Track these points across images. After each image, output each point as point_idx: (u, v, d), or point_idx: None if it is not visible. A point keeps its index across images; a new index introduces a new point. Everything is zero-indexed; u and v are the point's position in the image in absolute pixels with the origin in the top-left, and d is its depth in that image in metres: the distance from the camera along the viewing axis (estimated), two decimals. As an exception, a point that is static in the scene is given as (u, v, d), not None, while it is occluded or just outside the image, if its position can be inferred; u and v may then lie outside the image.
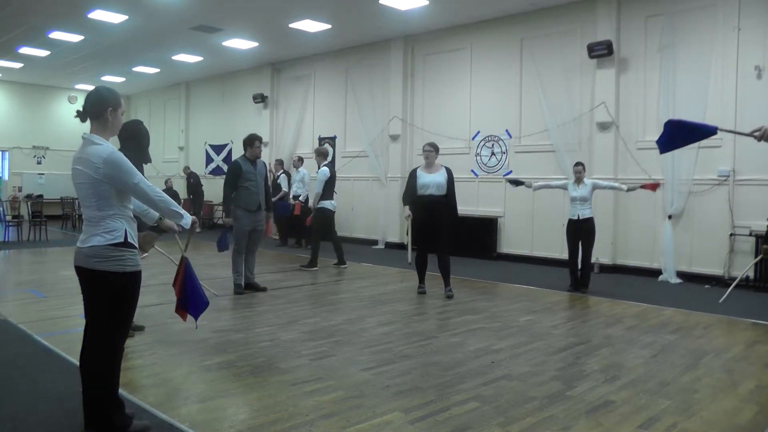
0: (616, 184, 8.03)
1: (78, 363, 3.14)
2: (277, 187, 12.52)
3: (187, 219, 3.26)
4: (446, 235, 7.10)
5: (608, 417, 3.55)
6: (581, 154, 9.62)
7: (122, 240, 2.98)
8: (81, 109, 3.07)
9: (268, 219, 7.72)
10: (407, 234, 7.19)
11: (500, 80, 11.05)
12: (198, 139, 18.47)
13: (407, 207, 7.10)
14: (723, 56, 8.45)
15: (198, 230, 3.03)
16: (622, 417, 3.55)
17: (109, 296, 3.01)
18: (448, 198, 7.07)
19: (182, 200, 16.06)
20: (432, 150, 7.16)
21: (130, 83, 18.79)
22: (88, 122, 3.07)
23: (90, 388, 3.03)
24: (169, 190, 16.11)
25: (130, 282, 3.04)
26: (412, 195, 7.08)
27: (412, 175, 7.19)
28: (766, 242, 6.15)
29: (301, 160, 12.78)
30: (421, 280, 7.48)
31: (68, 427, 3.27)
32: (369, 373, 4.29)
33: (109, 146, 2.98)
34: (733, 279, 8.29)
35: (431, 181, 7.01)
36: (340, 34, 12.40)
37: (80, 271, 3.07)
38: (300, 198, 12.03)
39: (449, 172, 7.15)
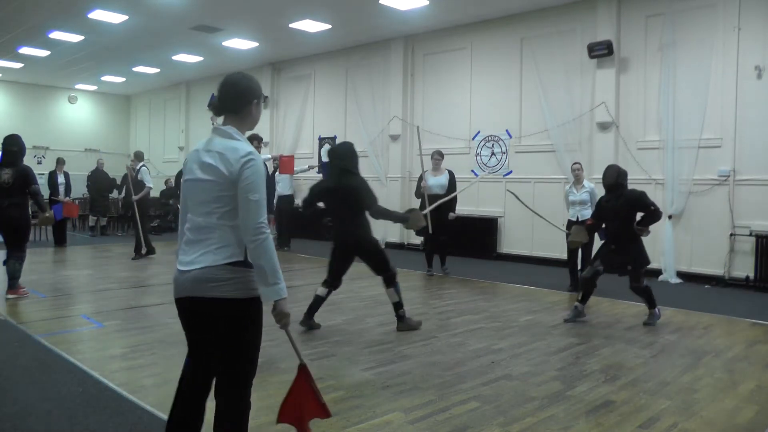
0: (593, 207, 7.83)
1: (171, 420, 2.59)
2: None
3: (279, 291, 2.37)
4: (447, 226, 8.79)
5: (608, 417, 3.55)
6: (581, 154, 9.62)
7: (243, 258, 2.38)
8: (216, 102, 2.55)
9: (271, 221, 7.76)
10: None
11: (500, 80, 11.04)
12: (198, 139, 18.34)
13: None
14: (723, 56, 8.45)
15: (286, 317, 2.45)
16: (622, 417, 3.55)
17: (234, 330, 2.39)
18: (447, 195, 8.57)
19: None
20: (440, 158, 9.07)
21: (130, 83, 18.79)
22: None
23: None
24: (169, 190, 16.12)
25: (255, 308, 2.43)
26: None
27: (422, 177, 8.83)
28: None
29: (276, 159, 12.77)
30: (430, 264, 9.10)
31: (68, 426, 3.28)
32: (369, 373, 4.29)
33: (250, 145, 2.46)
34: (734, 279, 8.31)
35: (435, 182, 8.85)
36: (340, 34, 12.40)
37: (188, 303, 2.43)
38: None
39: (451, 174, 9.02)
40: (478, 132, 11.36)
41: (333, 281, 5.62)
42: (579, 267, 7.82)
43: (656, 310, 6.05)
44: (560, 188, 9.72)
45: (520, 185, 10.70)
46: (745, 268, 8.24)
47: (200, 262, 2.36)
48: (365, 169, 13.24)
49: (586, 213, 7.73)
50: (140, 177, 10.59)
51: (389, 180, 12.67)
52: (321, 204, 5.78)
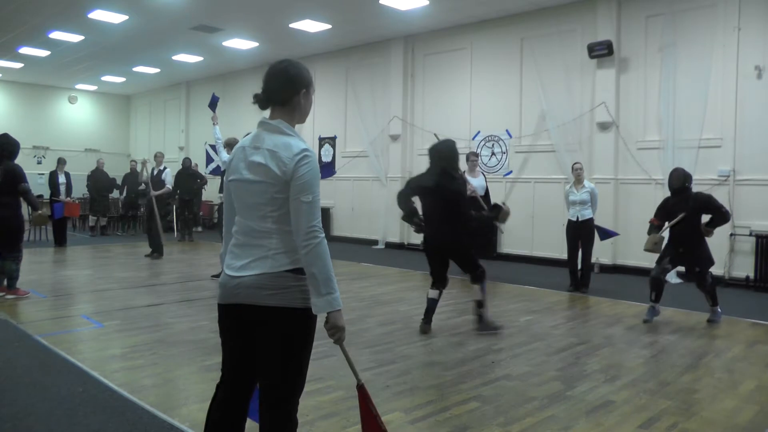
0: (593, 207, 7.87)
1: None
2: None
3: (333, 302, 2.15)
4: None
5: (608, 417, 3.55)
6: (581, 154, 9.62)
7: (300, 265, 2.16)
8: (260, 93, 2.34)
9: None
10: None
11: (500, 80, 11.04)
12: (198, 139, 18.46)
13: None
14: (723, 56, 8.45)
15: None
16: (622, 417, 3.55)
17: (287, 341, 2.20)
18: (486, 197, 8.44)
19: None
20: (476, 159, 8.86)
21: (130, 83, 18.78)
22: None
23: None
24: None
25: (312, 319, 2.25)
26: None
27: (463, 179, 8.37)
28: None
29: None
30: None
31: (68, 426, 3.28)
32: (369, 373, 4.29)
33: (303, 140, 2.22)
34: (734, 279, 8.30)
35: (478, 184, 8.30)
36: (340, 34, 12.40)
37: (238, 310, 2.21)
38: None
39: (485, 175, 9.16)
40: (478, 132, 11.36)
41: (439, 283, 5.63)
42: (579, 267, 7.83)
43: (718, 307, 6.09)
44: (560, 188, 9.72)
45: (520, 185, 10.72)
46: (745, 268, 8.24)
47: (256, 267, 2.16)
48: (365, 170, 13.38)
49: (587, 213, 7.73)
50: (163, 177, 11.10)
51: (389, 180, 12.67)
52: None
